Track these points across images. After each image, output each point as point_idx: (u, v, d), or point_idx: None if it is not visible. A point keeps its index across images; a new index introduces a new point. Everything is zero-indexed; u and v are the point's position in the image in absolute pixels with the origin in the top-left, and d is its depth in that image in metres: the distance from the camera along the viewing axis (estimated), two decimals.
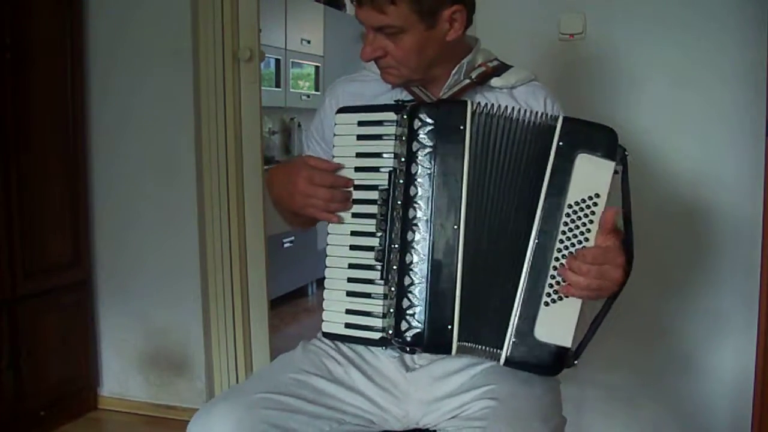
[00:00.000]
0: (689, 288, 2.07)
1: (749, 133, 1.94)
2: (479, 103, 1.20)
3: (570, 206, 1.14)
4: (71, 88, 2.54)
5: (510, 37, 2.02)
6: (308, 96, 4.80)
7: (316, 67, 4.91)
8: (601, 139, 1.14)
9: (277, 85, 4.48)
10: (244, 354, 2.64)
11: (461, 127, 1.17)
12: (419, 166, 1.18)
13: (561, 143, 1.15)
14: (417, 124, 1.19)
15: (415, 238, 1.18)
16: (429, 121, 1.18)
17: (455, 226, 1.17)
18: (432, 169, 1.18)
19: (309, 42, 4.69)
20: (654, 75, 2.03)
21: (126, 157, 2.62)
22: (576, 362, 1.16)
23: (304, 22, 4.62)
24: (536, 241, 1.14)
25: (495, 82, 1.33)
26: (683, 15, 1.99)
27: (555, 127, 1.15)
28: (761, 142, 1.86)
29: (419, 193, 1.18)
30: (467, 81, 1.31)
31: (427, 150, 1.18)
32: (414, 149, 1.19)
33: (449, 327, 1.16)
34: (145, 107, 2.57)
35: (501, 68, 1.34)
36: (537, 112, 1.18)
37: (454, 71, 1.30)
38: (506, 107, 1.18)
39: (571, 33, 2.07)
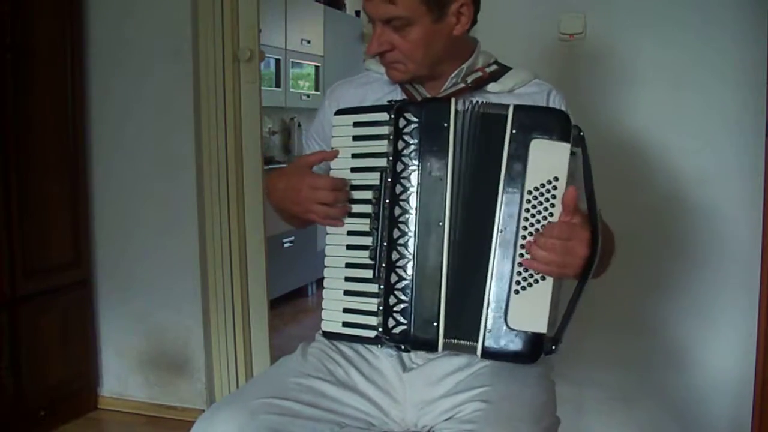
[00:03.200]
0: (689, 287, 2.07)
1: (749, 133, 1.94)
2: (464, 100, 1.20)
3: (530, 192, 1.14)
4: (71, 88, 2.53)
5: (510, 37, 2.02)
6: (308, 96, 4.79)
7: (316, 67, 4.91)
8: (553, 122, 1.15)
9: (277, 85, 4.48)
10: (244, 354, 2.64)
11: (445, 125, 1.18)
12: (405, 165, 1.19)
13: (514, 131, 1.15)
14: (402, 122, 1.20)
15: (402, 236, 1.19)
16: (414, 119, 1.19)
17: (440, 223, 1.17)
18: (417, 167, 1.19)
19: (309, 42, 4.69)
20: (654, 75, 2.03)
21: (126, 157, 2.62)
22: (555, 347, 1.15)
23: (304, 22, 4.62)
24: (500, 231, 1.15)
25: (492, 87, 1.32)
26: (683, 15, 1.99)
27: (506, 116, 1.16)
28: (761, 142, 1.86)
29: (405, 191, 1.19)
30: (462, 85, 1.31)
31: (412, 148, 1.19)
32: (399, 148, 1.20)
33: (435, 324, 1.17)
34: (145, 107, 2.57)
35: (498, 72, 1.34)
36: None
37: (452, 75, 1.30)
38: (490, 103, 1.19)
39: (571, 33, 2.07)
